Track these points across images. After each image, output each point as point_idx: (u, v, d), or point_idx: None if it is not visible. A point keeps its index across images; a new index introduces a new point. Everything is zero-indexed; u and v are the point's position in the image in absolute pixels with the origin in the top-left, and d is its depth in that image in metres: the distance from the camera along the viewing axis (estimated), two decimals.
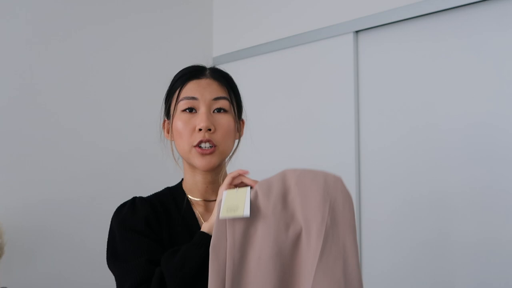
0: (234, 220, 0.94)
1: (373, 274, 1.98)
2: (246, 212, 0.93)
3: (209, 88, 1.11)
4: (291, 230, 0.93)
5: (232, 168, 1.11)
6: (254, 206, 0.95)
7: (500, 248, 1.69)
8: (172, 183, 1.22)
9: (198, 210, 1.15)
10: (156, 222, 1.09)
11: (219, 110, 1.11)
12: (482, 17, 1.78)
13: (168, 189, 1.20)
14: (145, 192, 1.20)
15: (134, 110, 2.29)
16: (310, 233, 0.92)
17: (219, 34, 2.68)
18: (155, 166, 2.04)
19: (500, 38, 1.74)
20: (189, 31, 2.58)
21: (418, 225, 1.88)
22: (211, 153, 1.08)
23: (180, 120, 1.10)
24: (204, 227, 1.01)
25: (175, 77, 1.16)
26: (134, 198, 1.15)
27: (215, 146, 1.09)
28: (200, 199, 1.16)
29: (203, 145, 1.08)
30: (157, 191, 1.20)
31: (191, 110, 1.11)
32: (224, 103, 1.12)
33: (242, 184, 1.02)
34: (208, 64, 1.20)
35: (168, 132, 1.17)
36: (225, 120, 1.11)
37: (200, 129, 1.08)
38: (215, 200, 1.06)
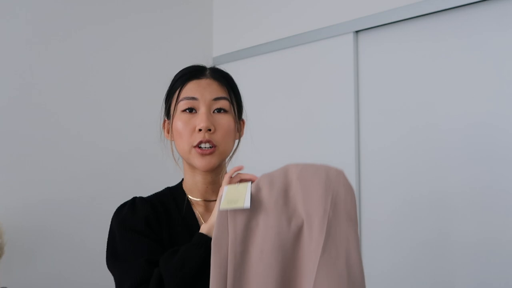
0: (236, 214, 0.94)
1: (373, 274, 1.98)
2: (247, 204, 0.92)
3: (209, 88, 1.11)
4: (293, 224, 0.93)
5: (232, 168, 1.11)
6: (256, 200, 0.95)
7: (500, 248, 1.69)
8: (172, 183, 1.22)
9: (198, 210, 1.15)
10: (156, 222, 1.09)
11: (219, 110, 1.11)
12: (482, 17, 1.78)
13: (168, 189, 1.20)
14: (145, 192, 1.20)
15: (134, 110, 2.29)
16: (312, 226, 0.92)
17: (219, 34, 2.68)
18: (155, 166, 2.04)
19: (500, 38, 1.74)
20: (189, 31, 2.58)
21: (418, 225, 1.88)
22: (211, 154, 1.08)
23: (180, 120, 1.10)
24: (203, 228, 1.01)
25: (175, 77, 1.16)
26: (134, 198, 1.15)
27: (215, 146, 1.09)
28: (200, 199, 1.16)
29: (203, 145, 1.08)
30: (157, 191, 1.20)
31: (191, 110, 1.10)
32: (224, 103, 1.11)
33: (242, 181, 1.02)
34: (208, 64, 1.20)
35: (168, 132, 1.17)
36: (225, 120, 1.11)
37: (200, 129, 1.08)
38: (215, 200, 1.06)
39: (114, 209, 1.14)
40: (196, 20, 2.64)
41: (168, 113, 1.16)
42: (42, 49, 2.01)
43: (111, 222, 1.12)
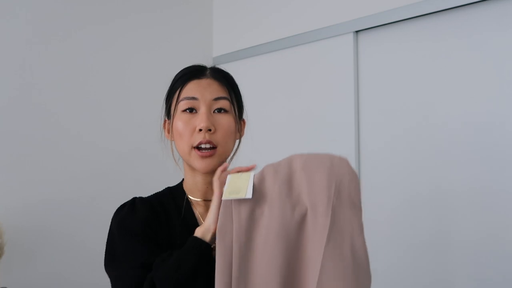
0: (240, 203, 0.94)
1: (372, 272, 1.98)
2: (249, 194, 0.92)
3: (210, 88, 1.11)
4: (296, 212, 0.93)
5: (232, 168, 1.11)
6: (260, 189, 0.95)
7: (500, 247, 1.70)
8: (172, 183, 1.22)
9: (198, 210, 1.15)
10: (156, 223, 1.09)
11: (219, 110, 1.10)
12: (482, 17, 1.78)
13: (168, 189, 1.19)
14: (145, 192, 1.20)
15: (134, 110, 2.29)
16: (317, 214, 0.92)
17: (219, 34, 2.68)
18: (155, 166, 2.03)
19: (500, 38, 1.74)
20: (189, 31, 2.58)
21: (418, 224, 1.88)
22: (211, 156, 1.08)
23: (180, 120, 1.10)
24: (198, 231, 1.00)
25: (175, 77, 1.16)
26: (134, 199, 1.14)
27: (215, 147, 1.09)
28: (201, 199, 1.15)
29: (203, 145, 1.08)
30: (157, 191, 1.20)
31: (191, 110, 1.10)
32: (224, 103, 1.11)
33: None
34: (208, 64, 1.20)
35: (168, 132, 1.17)
36: (226, 121, 1.10)
37: (200, 130, 1.07)
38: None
39: (114, 209, 1.14)
40: (196, 20, 2.64)
41: (168, 113, 1.16)
42: (42, 49, 2.01)
43: (111, 223, 1.11)
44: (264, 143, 2.22)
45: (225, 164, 1.04)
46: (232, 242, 0.92)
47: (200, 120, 1.08)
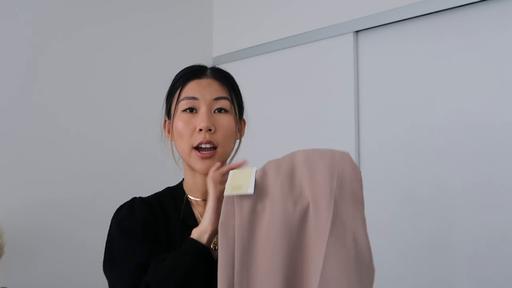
0: (242, 199, 0.94)
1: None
2: (250, 190, 0.92)
3: (210, 88, 1.11)
4: (298, 206, 0.93)
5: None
6: (262, 184, 0.95)
7: (499, 245, 1.70)
8: (172, 183, 1.22)
9: (198, 210, 1.15)
10: (154, 223, 1.09)
11: (219, 110, 1.10)
12: (482, 17, 1.78)
13: (168, 189, 1.19)
14: (145, 192, 1.20)
15: (134, 110, 2.29)
16: (319, 207, 0.92)
17: (219, 34, 2.68)
18: (155, 166, 2.04)
19: (500, 38, 1.74)
20: (189, 31, 2.58)
21: (418, 222, 1.88)
22: (210, 157, 1.08)
23: (180, 120, 1.10)
24: (194, 233, 1.00)
25: (176, 76, 1.16)
26: (133, 199, 1.14)
27: (215, 147, 1.08)
28: (200, 199, 1.15)
29: (203, 145, 1.07)
30: (157, 191, 1.20)
31: (191, 110, 1.10)
32: (225, 103, 1.11)
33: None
34: (208, 64, 1.20)
35: (168, 132, 1.16)
36: (226, 121, 1.10)
37: (200, 130, 1.07)
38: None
39: (114, 209, 1.13)
40: (196, 20, 2.64)
41: (168, 113, 1.16)
42: (42, 49, 2.01)
43: (110, 224, 1.11)
44: (264, 143, 2.22)
45: (217, 164, 1.03)
46: (235, 237, 0.92)
47: (201, 120, 1.07)
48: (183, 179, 1.20)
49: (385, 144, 2.01)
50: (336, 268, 0.88)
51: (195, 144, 1.08)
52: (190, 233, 1.05)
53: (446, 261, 1.81)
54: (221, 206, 0.99)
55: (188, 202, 1.15)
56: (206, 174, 1.11)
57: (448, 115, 1.85)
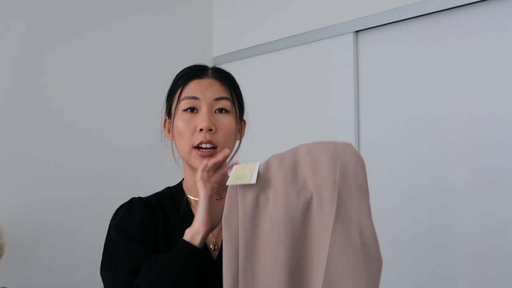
0: (245, 191, 0.94)
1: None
2: (253, 180, 0.92)
3: (211, 88, 1.10)
4: (301, 198, 0.92)
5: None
6: (265, 177, 0.95)
7: (499, 240, 1.70)
8: (173, 183, 1.22)
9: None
10: (152, 224, 1.09)
11: (220, 110, 1.10)
12: (482, 17, 1.78)
13: (168, 189, 1.19)
14: (145, 192, 1.20)
15: (134, 110, 2.29)
16: (323, 198, 0.92)
17: (219, 34, 2.68)
18: (155, 165, 2.03)
19: (500, 38, 1.74)
20: (189, 31, 2.58)
21: (418, 218, 1.89)
22: (211, 155, 1.07)
23: (181, 120, 1.10)
24: (187, 234, 0.99)
25: (176, 76, 1.16)
26: (132, 200, 1.14)
27: (215, 147, 1.08)
28: None
29: (203, 145, 1.07)
30: (157, 191, 1.20)
31: (192, 110, 1.10)
32: (225, 104, 1.11)
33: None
34: (208, 64, 1.20)
35: (169, 132, 1.16)
36: (226, 121, 1.10)
37: (201, 129, 1.07)
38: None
39: (114, 209, 1.14)
40: (196, 20, 2.64)
41: (169, 113, 1.16)
42: (42, 49, 2.01)
43: (109, 224, 1.11)
44: (264, 143, 2.22)
45: (204, 162, 1.01)
46: (238, 233, 0.91)
47: (201, 120, 1.07)
48: (183, 179, 1.20)
49: (385, 144, 2.01)
50: (341, 259, 0.87)
51: (195, 144, 1.08)
52: None
53: (446, 256, 1.81)
54: (212, 206, 0.99)
55: (187, 202, 1.15)
56: None
57: (448, 115, 1.85)
